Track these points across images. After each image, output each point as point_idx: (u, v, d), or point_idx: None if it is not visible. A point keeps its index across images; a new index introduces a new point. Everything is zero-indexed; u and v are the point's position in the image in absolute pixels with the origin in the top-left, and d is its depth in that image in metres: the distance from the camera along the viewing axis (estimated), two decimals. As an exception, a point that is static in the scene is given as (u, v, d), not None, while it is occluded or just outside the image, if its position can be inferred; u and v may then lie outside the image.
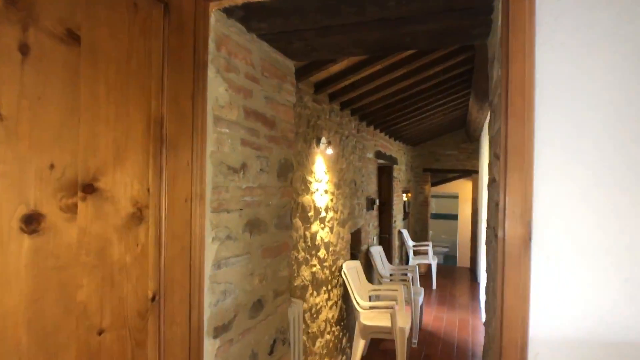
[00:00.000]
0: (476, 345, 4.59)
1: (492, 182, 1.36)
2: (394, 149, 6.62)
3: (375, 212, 5.65)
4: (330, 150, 3.37)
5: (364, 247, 4.99)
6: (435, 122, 6.42)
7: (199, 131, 1.27)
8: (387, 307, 3.70)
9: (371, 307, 3.83)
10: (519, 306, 0.95)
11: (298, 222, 2.95)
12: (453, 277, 8.14)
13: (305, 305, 3.04)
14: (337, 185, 3.83)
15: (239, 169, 1.51)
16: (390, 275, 5.38)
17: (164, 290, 1.12)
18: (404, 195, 7.70)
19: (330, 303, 3.62)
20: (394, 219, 6.62)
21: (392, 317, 3.59)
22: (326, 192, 3.52)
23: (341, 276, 3.88)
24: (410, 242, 7.29)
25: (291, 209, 1.99)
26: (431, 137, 8.30)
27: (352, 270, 4.02)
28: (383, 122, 5.25)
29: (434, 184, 10.06)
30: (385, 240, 6.36)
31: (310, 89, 3.11)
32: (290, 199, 1.94)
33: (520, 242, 0.95)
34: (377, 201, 5.58)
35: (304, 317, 2.93)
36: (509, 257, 0.95)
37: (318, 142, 3.24)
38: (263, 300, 1.69)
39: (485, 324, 1.63)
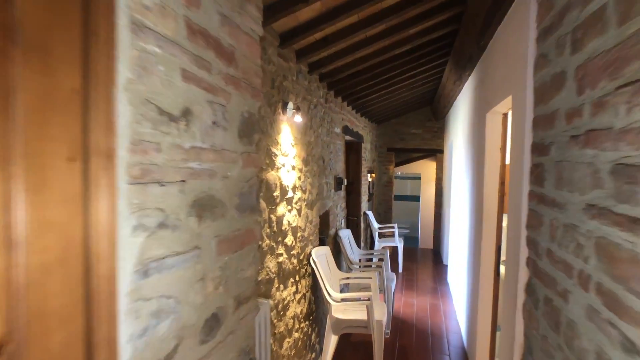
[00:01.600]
0: (451, 332, 4.33)
1: (574, 137, 0.91)
2: (361, 125, 6.18)
3: (343, 193, 5.20)
4: (299, 118, 2.83)
5: (332, 231, 4.53)
6: (403, 96, 6.03)
7: (99, 37, 0.71)
8: (362, 299, 3.29)
9: (345, 300, 3.40)
10: None
11: (262, 203, 2.42)
12: (417, 259, 7.96)
13: (271, 302, 2.54)
14: (305, 161, 3.31)
15: (180, 116, 0.96)
16: (359, 260, 4.99)
17: (25, 330, 0.57)
18: (369, 175, 7.33)
19: (298, 296, 3.14)
20: (361, 201, 6.23)
21: (369, 310, 3.18)
22: (293, 168, 2.99)
23: (310, 265, 3.41)
24: (375, 225, 6.95)
25: (258, 185, 1.47)
26: (396, 115, 7.95)
27: (321, 257, 3.56)
28: (351, 94, 4.77)
29: (397, 165, 9.81)
30: (353, 223, 5.95)
31: (276, 40, 2.54)
32: (257, 169, 1.41)
33: None
34: (345, 181, 5.13)
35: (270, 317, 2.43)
36: None
37: (285, 107, 2.69)
38: (220, 315, 1.17)
39: (526, 309, 1.21)
